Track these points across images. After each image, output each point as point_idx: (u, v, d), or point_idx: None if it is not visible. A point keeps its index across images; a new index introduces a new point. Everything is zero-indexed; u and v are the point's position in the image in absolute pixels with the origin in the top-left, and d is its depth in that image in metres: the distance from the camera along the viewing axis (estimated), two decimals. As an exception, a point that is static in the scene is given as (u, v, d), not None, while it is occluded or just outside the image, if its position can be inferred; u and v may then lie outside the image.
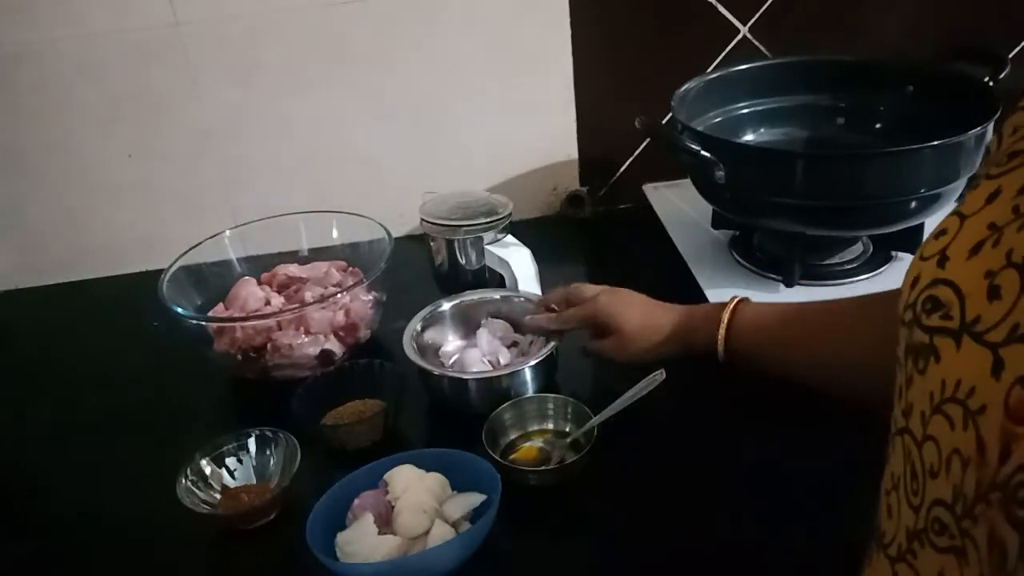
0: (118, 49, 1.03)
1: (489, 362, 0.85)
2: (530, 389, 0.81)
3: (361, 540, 0.64)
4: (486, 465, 0.68)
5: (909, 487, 0.36)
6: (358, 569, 0.63)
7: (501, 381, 0.80)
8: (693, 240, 1.05)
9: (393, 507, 0.67)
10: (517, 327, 0.90)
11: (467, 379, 0.81)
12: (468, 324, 0.91)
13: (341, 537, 0.65)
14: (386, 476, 0.69)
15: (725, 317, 0.73)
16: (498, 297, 0.91)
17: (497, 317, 0.91)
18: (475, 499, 0.67)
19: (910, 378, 0.36)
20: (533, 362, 0.80)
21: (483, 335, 0.87)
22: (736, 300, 0.75)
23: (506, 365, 0.84)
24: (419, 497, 0.66)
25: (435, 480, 0.69)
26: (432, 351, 0.88)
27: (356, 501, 0.68)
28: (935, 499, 0.34)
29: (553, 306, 0.85)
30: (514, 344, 0.89)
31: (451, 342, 0.90)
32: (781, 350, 0.71)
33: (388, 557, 0.63)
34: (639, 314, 0.78)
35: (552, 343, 0.81)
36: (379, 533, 0.65)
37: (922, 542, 0.35)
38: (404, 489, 0.67)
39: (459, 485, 0.69)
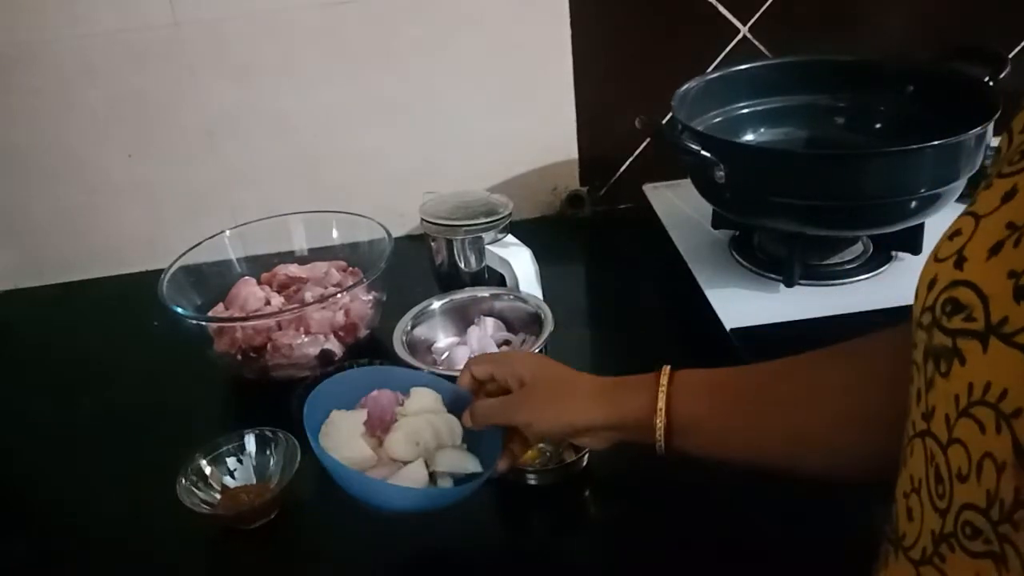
0: (118, 49, 1.03)
1: None
2: None
3: (338, 434, 0.61)
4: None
5: (934, 490, 0.35)
6: (326, 457, 0.59)
7: None
8: (693, 240, 1.05)
9: (396, 421, 0.65)
10: (510, 325, 0.90)
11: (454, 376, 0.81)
12: (460, 321, 0.91)
13: (331, 416, 0.63)
14: (412, 390, 0.66)
15: (663, 380, 0.59)
16: (488, 295, 0.91)
17: (490, 315, 0.91)
18: (468, 464, 0.64)
19: (931, 381, 0.35)
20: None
21: (474, 333, 0.88)
22: (668, 368, 0.60)
23: None
24: (422, 427, 0.63)
25: (447, 422, 0.65)
26: (424, 348, 0.88)
27: (373, 393, 0.65)
28: (965, 503, 0.33)
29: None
30: (506, 343, 0.89)
31: (443, 339, 0.90)
32: (740, 416, 0.57)
33: (351, 462, 0.60)
34: (548, 365, 0.65)
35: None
36: (368, 438, 0.62)
37: (951, 546, 0.34)
38: (416, 412, 0.64)
39: (470, 445, 0.66)
